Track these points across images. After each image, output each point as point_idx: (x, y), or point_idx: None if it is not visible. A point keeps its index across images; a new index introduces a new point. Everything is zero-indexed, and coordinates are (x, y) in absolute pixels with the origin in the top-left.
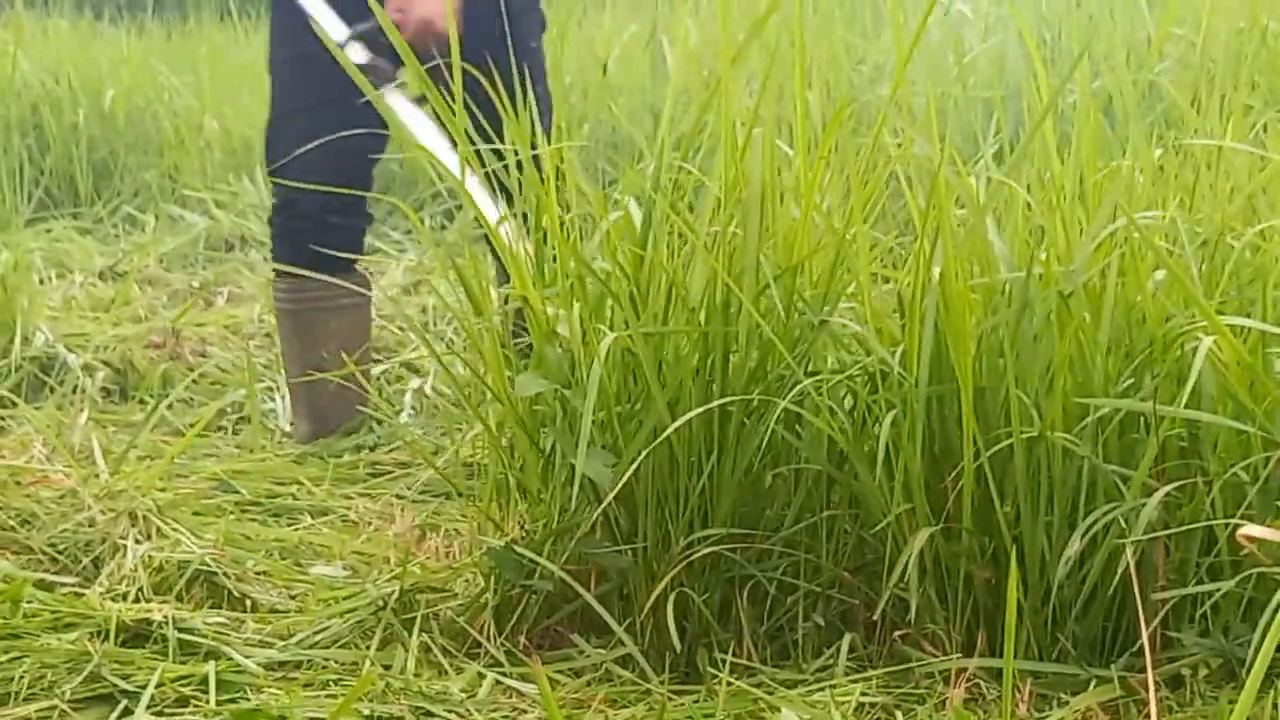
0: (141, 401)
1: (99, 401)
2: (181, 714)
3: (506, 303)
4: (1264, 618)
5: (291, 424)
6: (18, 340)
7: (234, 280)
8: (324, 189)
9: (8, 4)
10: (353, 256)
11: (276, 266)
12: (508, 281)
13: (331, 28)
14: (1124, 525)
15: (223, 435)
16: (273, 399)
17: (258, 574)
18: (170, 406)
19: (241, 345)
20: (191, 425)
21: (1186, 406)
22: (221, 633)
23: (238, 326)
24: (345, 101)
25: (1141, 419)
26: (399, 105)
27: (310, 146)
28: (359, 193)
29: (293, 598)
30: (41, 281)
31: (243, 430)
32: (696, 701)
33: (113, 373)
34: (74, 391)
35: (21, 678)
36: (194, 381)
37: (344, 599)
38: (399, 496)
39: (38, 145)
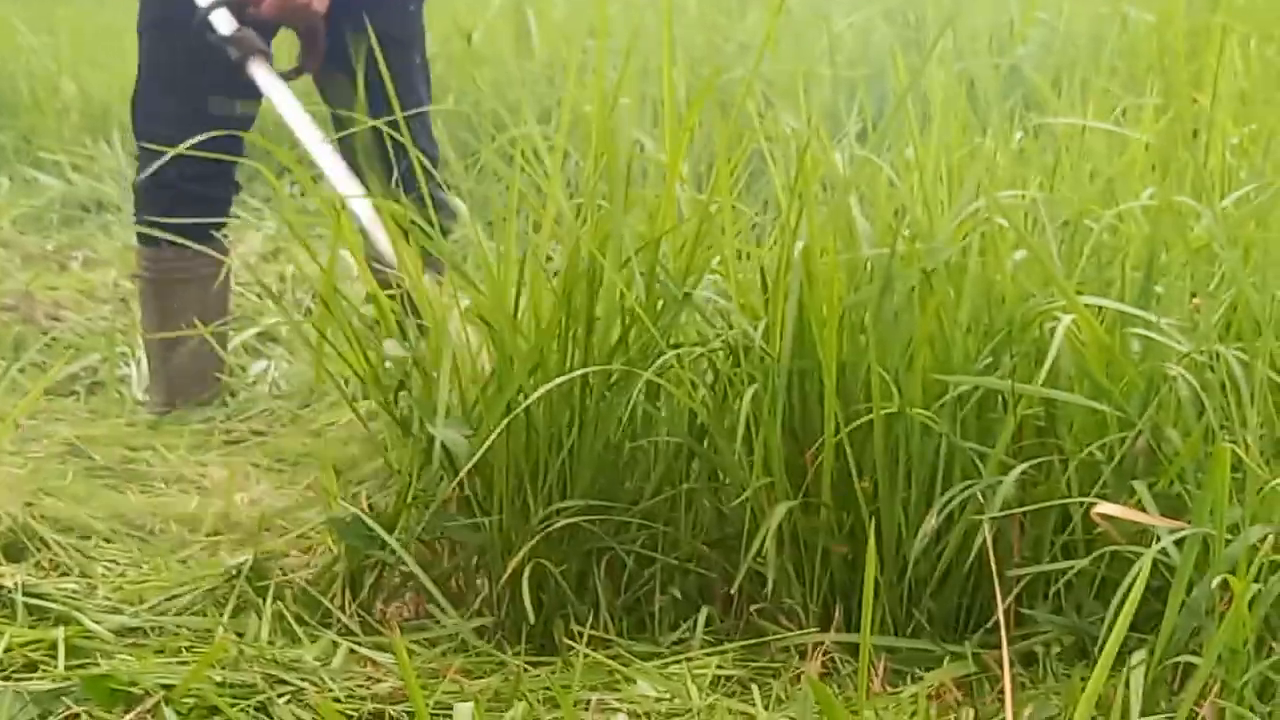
0: None
1: None
2: (30, 679)
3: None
4: (1116, 596)
5: (146, 392)
6: None
7: (89, 244)
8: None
9: None
10: (210, 221)
11: (139, 232)
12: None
13: None
14: (981, 502)
15: (76, 400)
16: (128, 365)
17: (109, 539)
18: (23, 370)
19: (96, 310)
20: (44, 388)
21: (1044, 385)
22: (72, 598)
23: (92, 291)
24: (214, 68)
25: (1000, 397)
26: (262, 78)
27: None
28: (227, 158)
29: (144, 564)
30: None
31: (96, 396)
32: (553, 673)
33: None
34: None
35: None
36: (47, 345)
37: (196, 566)
38: (254, 465)
39: None
